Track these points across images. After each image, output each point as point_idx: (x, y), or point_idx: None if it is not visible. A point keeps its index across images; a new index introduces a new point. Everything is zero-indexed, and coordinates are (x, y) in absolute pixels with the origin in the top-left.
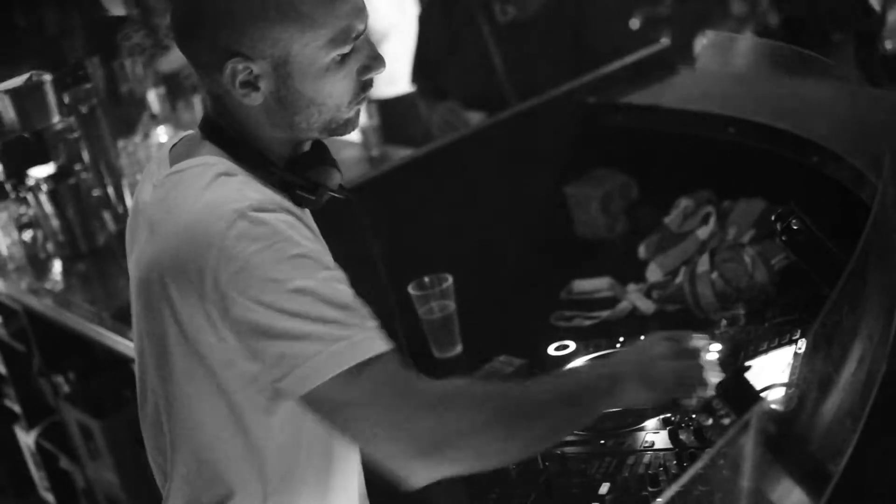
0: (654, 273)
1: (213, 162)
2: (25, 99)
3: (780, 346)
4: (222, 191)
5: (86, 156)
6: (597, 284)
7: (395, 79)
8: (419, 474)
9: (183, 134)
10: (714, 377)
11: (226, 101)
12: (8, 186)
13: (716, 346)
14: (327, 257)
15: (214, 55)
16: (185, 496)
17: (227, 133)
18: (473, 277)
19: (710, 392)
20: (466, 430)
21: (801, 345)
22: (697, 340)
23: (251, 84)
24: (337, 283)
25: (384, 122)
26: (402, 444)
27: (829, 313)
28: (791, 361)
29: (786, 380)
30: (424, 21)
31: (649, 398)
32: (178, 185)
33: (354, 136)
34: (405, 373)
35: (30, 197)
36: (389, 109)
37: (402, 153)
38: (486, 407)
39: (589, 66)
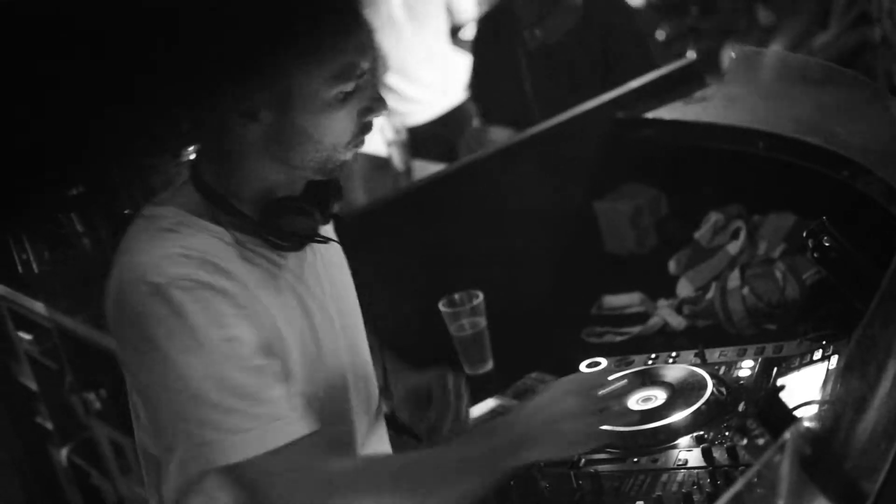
0: (684, 288)
1: (160, 214)
2: None
3: (812, 362)
4: (149, 257)
5: (118, 176)
6: (627, 300)
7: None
8: None
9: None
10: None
11: (222, 132)
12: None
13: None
14: (237, 337)
15: (214, 82)
16: None
17: (204, 177)
18: (504, 294)
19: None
20: None
21: (835, 361)
22: (613, 380)
23: (251, 114)
24: (238, 371)
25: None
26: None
27: (862, 329)
28: (824, 378)
29: (819, 397)
30: (475, 47)
31: (557, 454)
32: (131, 233)
33: (382, 151)
34: (309, 462)
35: (61, 215)
36: (419, 134)
37: (431, 168)
38: (392, 486)
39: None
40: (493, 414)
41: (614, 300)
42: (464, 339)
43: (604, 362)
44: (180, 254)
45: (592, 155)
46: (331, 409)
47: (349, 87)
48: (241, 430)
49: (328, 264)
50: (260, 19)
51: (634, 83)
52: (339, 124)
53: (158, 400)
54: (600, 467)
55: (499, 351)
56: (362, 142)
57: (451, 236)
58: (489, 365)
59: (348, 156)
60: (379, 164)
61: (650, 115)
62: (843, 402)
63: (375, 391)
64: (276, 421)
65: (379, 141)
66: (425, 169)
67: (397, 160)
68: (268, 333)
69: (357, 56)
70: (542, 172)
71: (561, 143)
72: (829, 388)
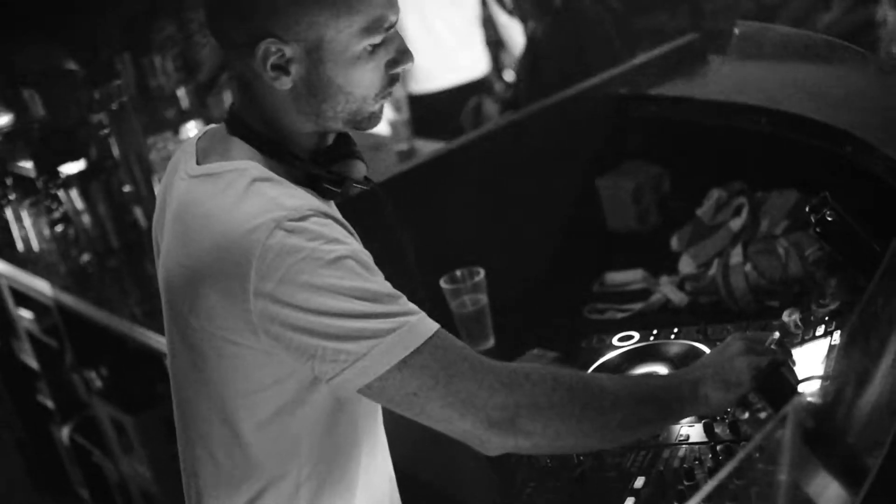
0: (686, 265)
1: (245, 167)
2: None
3: (814, 338)
4: (258, 199)
5: (116, 152)
6: (629, 277)
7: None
8: (492, 445)
9: (207, 128)
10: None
11: (254, 87)
12: (40, 183)
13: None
14: (360, 250)
15: (247, 36)
16: (220, 492)
17: (253, 127)
18: (506, 271)
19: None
20: (540, 406)
21: (837, 337)
22: (773, 337)
23: (282, 68)
24: (376, 276)
25: (416, 118)
26: (473, 419)
27: (865, 305)
28: (827, 353)
29: (822, 372)
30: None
31: (730, 399)
32: (213, 190)
33: (383, 129)
34: (466, 350)
35: (61, 193)
36: (422, 106)
37: (433, 146)
38: (560, 387)
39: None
40: None
41: (616, 277)
42: (465, 316)
43: (636, 335)
44: (286, 193)
45: (595, 132)
46: None
47: (377, 39)
48: (394, 329)
49: None
50: None
51: (638, 60)
52: (368, 76)
53: (308, 329)
54: None
55: (500, 328)
56: (390, 93)
57: (453, 213)
58: (491, 342)
59: (376, 107)
60: (379, 143)
61: (653, 91)
62: (845, 376)
63: None
64: (418, 313)
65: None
66: (427, 147)
67: (399, 138)
68: None
69: (385, 9)
70: (544, 149)
71: (563, 121)
72: (831, 362)
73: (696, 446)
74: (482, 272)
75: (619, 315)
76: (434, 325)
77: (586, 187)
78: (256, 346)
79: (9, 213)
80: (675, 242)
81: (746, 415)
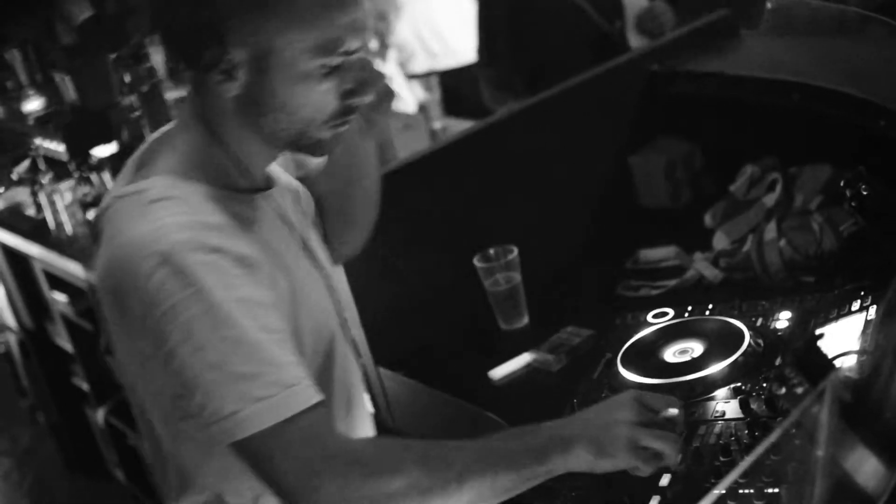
0: (720, 241)
1: (147, 187)
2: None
3: (850, 313)
4: (148, 226)
5: (148, 134)
6: (663, 254)
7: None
8: None
9: (155, 135)
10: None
11: (201, 91)
12: (72, 166)
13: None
14: (250, 297)
15: (193, 36)
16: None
17: (182, 140)
18: (539, 249)
19: (674, 464)
20: (377, 497)
21: (872, 311)
22: (672, 406)
23: (227, 73)
24: (258, 332)
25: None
26: (310, 499)
27: None
28: (862, 328)
29: (858, 347)
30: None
31: (598, 464)
32: (117, 214)
33: (412, 108)
34: (324, 431)
35: (94, 176)
36: (451, 80)
37: (463, 125)
38: (403, 474)
39: None
40: (528, 368)
41: (650, 254)
42: (499, 294)
43: (671, 312)
44: (177, 222)
45: (627, 108)
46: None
47: (332, 61)
48: (257, 398)
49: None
50: None
51: (669, 36)
52: (316, 98)
53: (180, 373)
54: None
55: (534, 306)
56: (346, 123)
57: (486, 192)
58: (525, 320)
59: (326, 134)
60: (411, 122)
61: (685, 67)
62: (882, 350)
63: (356, 367)
64: (291, 387)
65: (411, 100)
66: (458, 125)
67: (430, 118)
68: (278, 293)
69: (346, 32)
70: (576, 127)
71: (595, 97)
72: (867, 337)
73: (732, 422)
74: (515, 250)
75: (653, 292)
76: (300, 404)
77: (619, 164)
78: (152, 379)
79: (42, 196)
80: (708, 219)
81: (783, 390)
